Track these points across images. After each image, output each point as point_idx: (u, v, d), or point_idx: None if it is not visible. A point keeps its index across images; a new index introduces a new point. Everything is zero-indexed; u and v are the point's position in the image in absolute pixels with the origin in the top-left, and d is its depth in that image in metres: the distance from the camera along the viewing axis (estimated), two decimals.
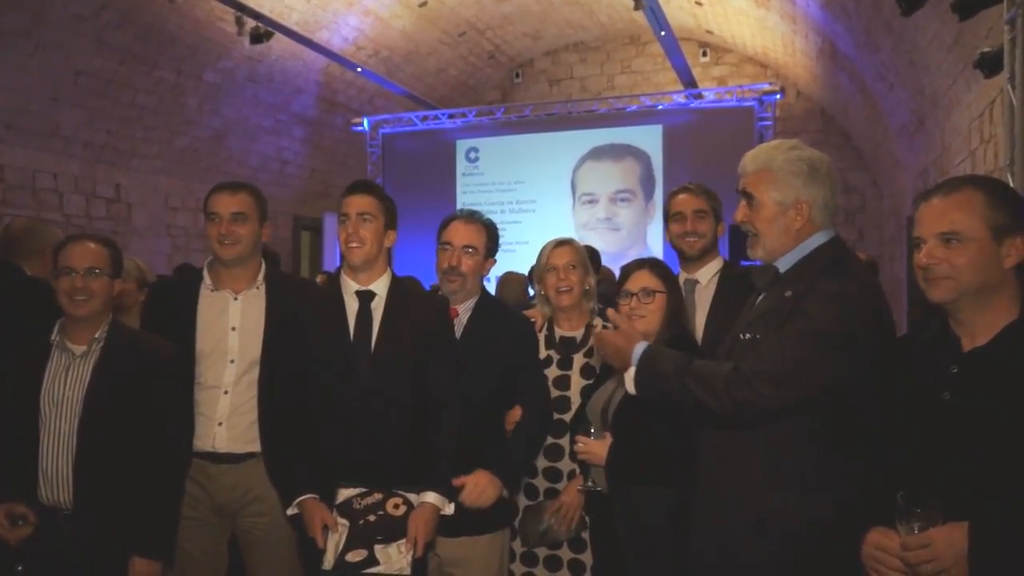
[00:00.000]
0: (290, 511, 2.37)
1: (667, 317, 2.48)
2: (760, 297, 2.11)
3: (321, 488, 2.35)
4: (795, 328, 1.86)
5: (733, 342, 2.06)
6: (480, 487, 2.47)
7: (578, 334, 2.82)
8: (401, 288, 2.57)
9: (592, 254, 6.08)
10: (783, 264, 2.04)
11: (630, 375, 2.00)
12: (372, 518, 2.29)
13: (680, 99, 8.59)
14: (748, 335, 1.99)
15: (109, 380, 2.37)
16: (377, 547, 2.26)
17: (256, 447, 2.62)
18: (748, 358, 1.88)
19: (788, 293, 1.94)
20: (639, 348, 2.00)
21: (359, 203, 2.48)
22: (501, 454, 2.57)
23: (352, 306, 2.48)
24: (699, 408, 1.91)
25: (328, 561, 2.25)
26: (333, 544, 2.27)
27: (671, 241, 3.02)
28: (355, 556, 2.25)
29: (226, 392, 2.62)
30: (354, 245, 2.46)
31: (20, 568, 2.29)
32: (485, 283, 2.84)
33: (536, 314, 2.91)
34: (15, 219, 3.69)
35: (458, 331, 2.66)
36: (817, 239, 2.02)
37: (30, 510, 2.29)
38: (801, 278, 1.96)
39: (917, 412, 1.74)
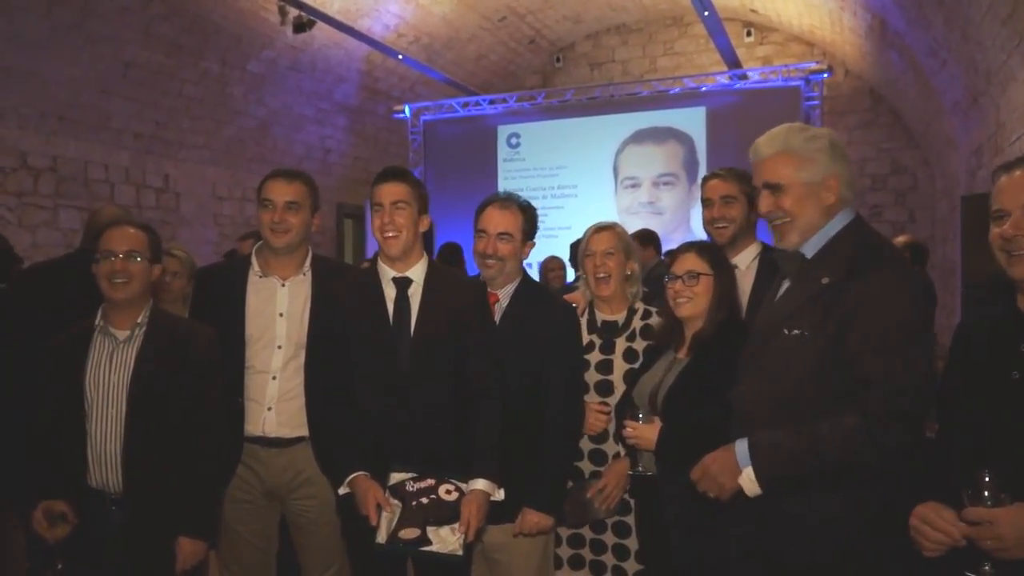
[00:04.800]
0: (342, 490, 2.39)
1: (715, 301, 2.44)
2: (786, 284, 2.06)
3: (369, 469, 2.36)
4: (882, 341, 1.78)
5: (773, 335, 1.98)
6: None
7: (619, 318, 2.79)
8: (438, 273, 2.58)
9: (651, 237, 6.05)
10: (808, 249, 2.00)
11: (749, 475, 1.91)
12: (425, 500, 2.32)
13: (724, 80, 8.45)
14: (796, 331, 1.92)
15: (153, 365, 2.41)
16: (429, 528, 2.28)
17: (305, 431, 2.66)
18: (868, 398, 1.78)
19: (825, 280, 1.89)
20: (740, 445, 1.94)
21: (392, 192, 2.49)
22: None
23: (390, 293, 2.49)
24: (848, 472, 1.82)
25: (382, 536, 2.28)
26: (386, 521, 2.29)
27: (704, 228, 2.98)
28: (408, 534, 2.27)
29: (274, 377, 2.66)
30: (390, 235, 2.46)
31: (59, 567, 2.30)
32: (527, 267, 2.83)
33: (578, 298, 2.89)
34: (105, 207, 3.75)
35: (498, 316, 2.66)
36: (839, 220, 1.98)
37: (70, 508, 2.30)
38: (835, 263, 1.91)
39: (984, 391, 1.71)
